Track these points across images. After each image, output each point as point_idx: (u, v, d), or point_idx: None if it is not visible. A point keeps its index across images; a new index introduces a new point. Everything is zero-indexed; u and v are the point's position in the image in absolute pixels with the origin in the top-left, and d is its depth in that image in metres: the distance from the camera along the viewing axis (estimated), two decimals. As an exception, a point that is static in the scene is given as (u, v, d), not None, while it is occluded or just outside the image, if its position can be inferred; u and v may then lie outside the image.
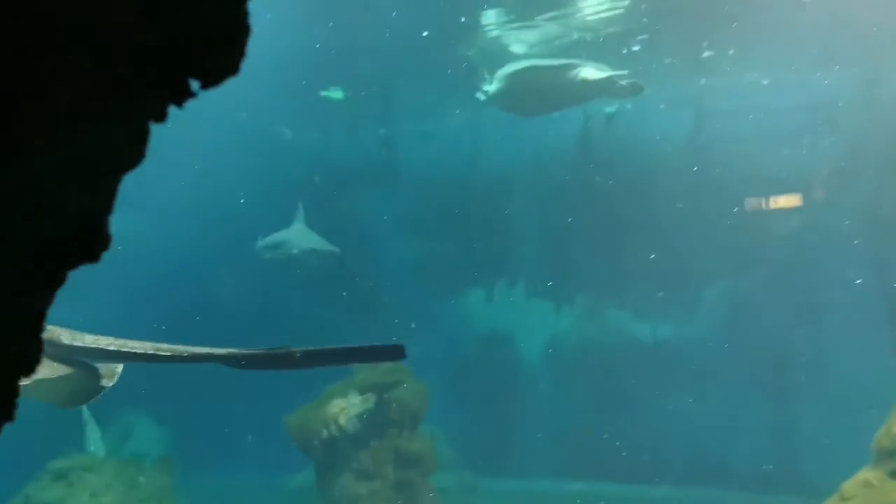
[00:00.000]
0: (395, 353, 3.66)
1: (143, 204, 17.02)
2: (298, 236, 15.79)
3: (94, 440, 13.88)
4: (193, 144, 17.06)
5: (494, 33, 14.69)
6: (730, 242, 16.20)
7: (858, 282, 15.34)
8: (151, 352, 4.00)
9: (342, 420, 11.19)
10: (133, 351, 3.98)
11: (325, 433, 11.19)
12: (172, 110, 1.10)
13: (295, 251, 15.49)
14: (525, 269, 18.97)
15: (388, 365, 11.60)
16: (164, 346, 4.03)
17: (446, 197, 18.09)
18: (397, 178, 18.88)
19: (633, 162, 16.88)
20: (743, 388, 16.25)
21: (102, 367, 4.32)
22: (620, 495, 14.88)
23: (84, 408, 13.73)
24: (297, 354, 3.82)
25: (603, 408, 16.74)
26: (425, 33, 14.28)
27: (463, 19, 14.02)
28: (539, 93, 13.05)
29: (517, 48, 15.11)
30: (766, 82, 15.75)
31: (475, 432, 16.56)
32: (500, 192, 18.30)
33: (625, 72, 12.67)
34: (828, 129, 16.08)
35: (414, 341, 16.13)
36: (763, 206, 16.88)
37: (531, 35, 14.79)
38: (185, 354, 4.02)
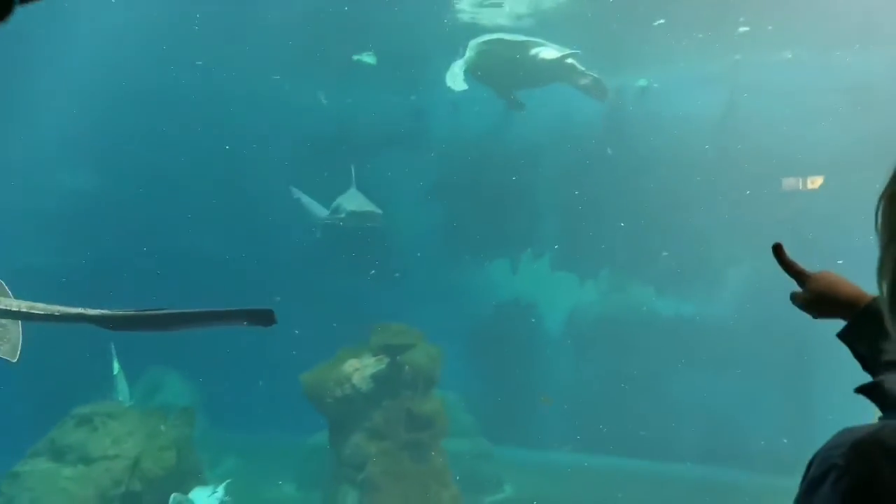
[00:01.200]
0: (264, 317, 3.70)
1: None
2: (349, 200, 15.76)
3: (122, 390, 14.30)
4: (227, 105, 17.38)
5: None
6: (757, 221, 16.01)
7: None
8: (25, 310, 4.10)
9: (356, 379, 11.41)
10: (7, 308, 4.08)
11: (338, 392, 11.41)
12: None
13: (343, 215, 15.55)
14: (551, 240, 18.97)
15: (401, 328, 11.81)
16: (39, 305, 4.13)
17: (474, 166, 18.11)
18: (426, 145, 18.94)
19: (663, 137, 16.72)
20: (764, 369, 16.13)
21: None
22: (637, 471, 14.94)
23: (115, 359, 14.16)
24: (165, 315, 3.87)
25: (622, 383, 16.75)
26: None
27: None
28: (504, 66, 13.34)
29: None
30: (801, 60, 15.45)
31: (493, 401, 16.68)
32: (528, 163, 18.28)
33: (577, 51, 12.82)
34: (863, 110, 15.75)
35: (437, 308, 16.35)
36: (794, 186, 16.64)
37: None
38: (58, 314, 4.09)
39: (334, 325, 14.76)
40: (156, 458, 11.15)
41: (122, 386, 14.30)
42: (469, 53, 13.44)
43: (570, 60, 12.80)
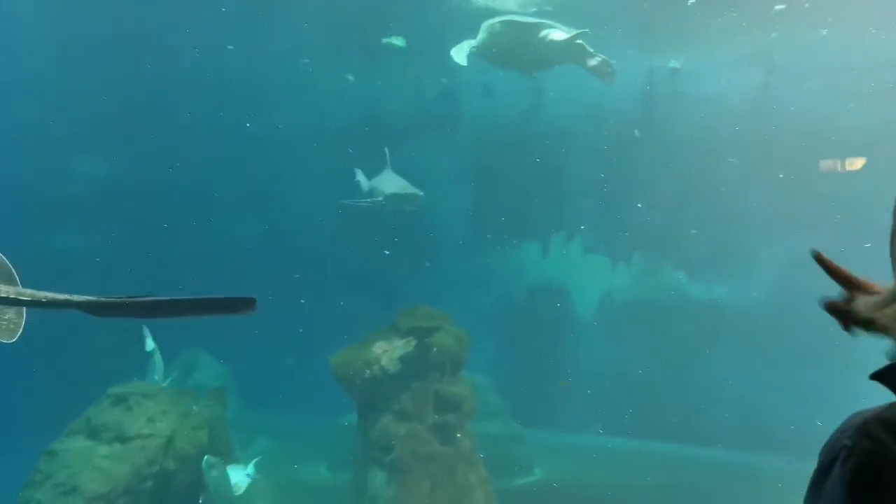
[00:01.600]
0: (246, 305, 3.73)
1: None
2: (387, 182, 15.64)
3: (157, 370, 14.54)
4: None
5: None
6: (792, 204, 15.76)
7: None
8: (13, 296, 4.18)
9: (384, 361, 11.47)
10: None
11: (367, 373, 11.48)
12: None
13: (381, 198, 15.46)
14: (582, 223, 18.86)
15: (429, 310, 11.84)
16: (27, 291, 4.22)
17: (505, 149, 18.04)
18: (457, 128, 18.90)
19: (697, 118, 16.50)
20: (797, 353, 15.91)
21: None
22: (667, 455, 14.88)
23: (150, 339, 14.41)
24: (151, 303, 3.92)
25: (654, 366, 16.65)
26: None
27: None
28: (514, 47, 13.35)
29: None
30: (836, 38, 15.09)
31: (523, 383, 16.69)
32: (559, 146, 18.16)
33: (586, 30, 12.68)
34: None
35: (468, 291, 16.34)
36: (830, 167, 16.33)
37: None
38: (45, 300, 4.16)
39: (364, 307, 14.84)
40: (189, 438, 11.31)
41: (157, 366, 14.57)
42: (481, 35, 13.48)
43: (579, 41, 12.76)
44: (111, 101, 16.16)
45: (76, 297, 4.06)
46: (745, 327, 16.20)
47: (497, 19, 13.44)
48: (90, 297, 4.01)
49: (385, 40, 16.88)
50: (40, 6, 15.02)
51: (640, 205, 16.78)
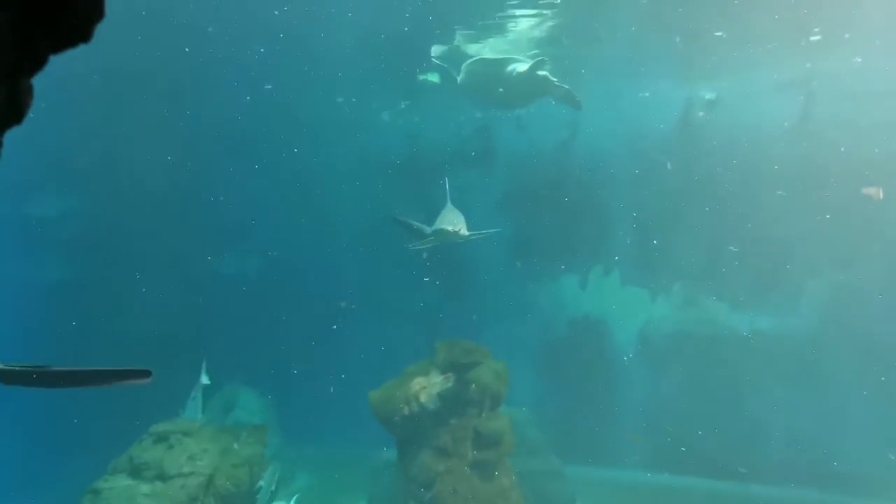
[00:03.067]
0: (140, 375, 3.80)
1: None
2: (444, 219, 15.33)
3: (196, 408, 14.59)
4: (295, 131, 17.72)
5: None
6: (837, 233, 15.47)
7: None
8: None
9: (423, 397, 11.41)
10: None
11: (406, 410, 11.43)
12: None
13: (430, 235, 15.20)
14: (621, 255, 18.71)
15: (468, 345, 11.77)
16: None
17: (542, 181, 18.04)
18: (493, 161, 18.97)
19: (736, 147, 16.35)
20: (847, 386, 15.51)
21: None
22: (713, 492, 14.55)
23: (205, 375, 14.32)
24: (51, 373, 3.96)
25: (697, 400, 16.34)
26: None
27: None
28: (488, 83, 14.08)
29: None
30: (872, 65, 14.90)
31: (564, 418, 16.49)
32: (596, 178, 18.11)
33: (545, 59, 12.99)
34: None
35: (507, 324, 16.22)
36: (875, 195, 16.01)
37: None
38: None
39: (403, 338, 14.85)
40: (229, 475, 11.37)
41: (197, 403, 14.61)
42: (462, 76, 14.33)
43: (542, 72, 13.37)
44: (155, 140, 16.50)
45: None
46: (792, 357, 15.85)
47: (469, 60, 14.25)
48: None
49: (421, 77, 17.09)
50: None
51: (694, 237, 16.62)
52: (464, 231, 13.47)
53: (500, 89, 14.04)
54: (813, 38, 14.42)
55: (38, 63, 1.25)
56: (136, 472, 11.01)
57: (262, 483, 11.67)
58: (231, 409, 17.26)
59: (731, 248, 16.59)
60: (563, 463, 15.20)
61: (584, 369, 17.67)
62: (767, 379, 16.08)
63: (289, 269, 18.28)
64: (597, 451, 16.22)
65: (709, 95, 16.02)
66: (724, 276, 17.38)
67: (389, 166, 18.20)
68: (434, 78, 17.02)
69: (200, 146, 17.29)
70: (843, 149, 15.50)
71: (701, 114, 16.75)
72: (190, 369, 13.97)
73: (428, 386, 11.57)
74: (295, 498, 12.21)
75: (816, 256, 16.14)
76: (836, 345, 15.62)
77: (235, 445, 12.17)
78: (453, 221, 14.12)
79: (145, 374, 3.80)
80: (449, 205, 14.96)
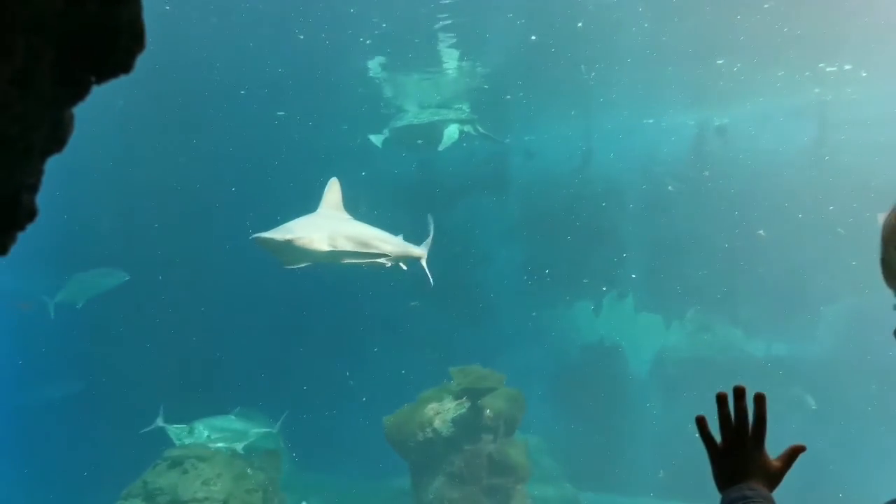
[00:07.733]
0: None
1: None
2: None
3: (178, 433, 13.76)
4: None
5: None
6: (853, 258, 15.39)
7: None
8: None
9: (437, 423, 11.38)
10: None
11: (420, 436, 11.40)
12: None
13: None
14: (635, 281, 18.66)
15: (482, 371, 11.73)
16: None
17: (556, 207, 18.06)
18: (508, 188, 19.01)
19: (748, 173, 16.34)
20: (866, 414, 15.34)
21: None
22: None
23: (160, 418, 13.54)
24: None
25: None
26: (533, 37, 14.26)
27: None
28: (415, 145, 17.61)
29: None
30: (883, 91, 14.89)
31: (579, 444, 16.37)
32: (610, 203, 18.12)
33: (469, 129, 15.60)
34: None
35: (521, 350, 16.15)
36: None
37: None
38: None
39: (417, 364, 14.81)
40: (243, 501, 11.33)
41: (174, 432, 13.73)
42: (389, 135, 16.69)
43: (466, 129, 15.74)
44: (161, 168, 16.64)
45: None
46: (808, 385, 15.71)
47: (396, 124, 16.55)
48: None
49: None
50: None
51: (708, 263, 16.62)
52: (321, 246, 8.99)
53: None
54: (830, 70, 14.40)
55: (81, 94, 1.28)
56: (150, 497, 11.00)
57: None
58: (243, 435, 17.20)
59: (760, 232, 16.35)
60: (577, 490, 15.09)
61: (598, 395, 17.56)
62: (784, 407, 15.93)
63: (301, 292, 18.30)
64: (611, 479, 16.06)
65: (718, 121, 16.05)
66: (739, 302, 17.30)
67: (402, 192, 18.26)
68: (377, 141, 17.38)
69: (218, 170, 17.46)
70: (857, 174, 15.46)
71: (712, 139, 16.76)
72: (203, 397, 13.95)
73: (442, 412, 11.54)
74: (308, 524, 12.13)
75: (833, 282, 16.05)
76: (853, 371, 15.48)
77: (249, 471, 12.13)
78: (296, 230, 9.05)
79: None
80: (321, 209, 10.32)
